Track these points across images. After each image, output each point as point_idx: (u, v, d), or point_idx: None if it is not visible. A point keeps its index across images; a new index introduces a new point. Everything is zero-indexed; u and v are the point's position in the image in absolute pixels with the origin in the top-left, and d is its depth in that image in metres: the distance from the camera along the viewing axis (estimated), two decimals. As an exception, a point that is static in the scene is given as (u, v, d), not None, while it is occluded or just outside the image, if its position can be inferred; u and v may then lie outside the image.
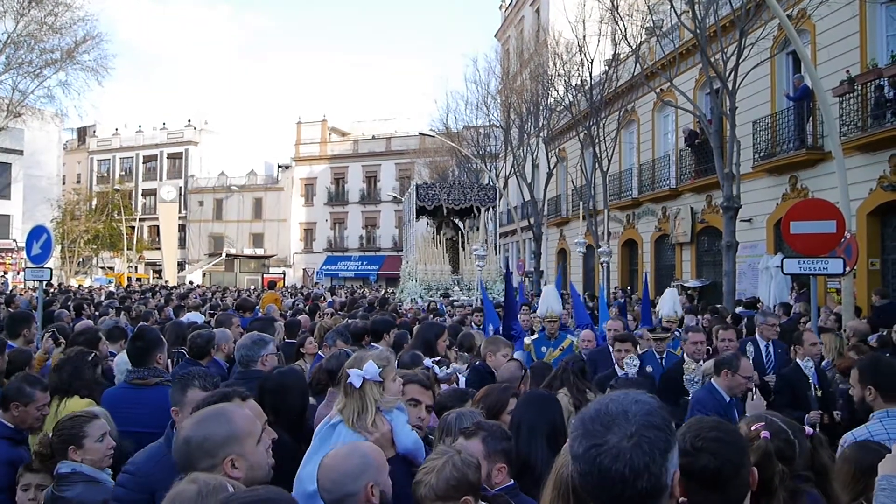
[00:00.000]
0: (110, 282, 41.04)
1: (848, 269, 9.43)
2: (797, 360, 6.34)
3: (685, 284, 21.27)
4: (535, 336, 8.55)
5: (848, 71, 14.79)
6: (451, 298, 17.99)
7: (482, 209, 22.26)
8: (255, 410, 2.81)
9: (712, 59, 15.34)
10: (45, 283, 11.30)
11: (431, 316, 12.87)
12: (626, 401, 1.58)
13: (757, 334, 7.56)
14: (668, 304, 9.39)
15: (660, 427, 1.54)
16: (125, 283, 38.62)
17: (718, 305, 14.15)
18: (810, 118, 16.41)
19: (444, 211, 22.60)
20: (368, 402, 3.24)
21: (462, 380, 5.72)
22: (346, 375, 3.24)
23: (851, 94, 14.63)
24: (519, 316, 10.10)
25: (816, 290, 8.56)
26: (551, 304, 8.61)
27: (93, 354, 4.70)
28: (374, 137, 55.39)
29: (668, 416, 1.61)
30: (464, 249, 21.27)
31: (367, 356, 3.37)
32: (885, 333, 8.74)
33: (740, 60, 14.62)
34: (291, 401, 3.58)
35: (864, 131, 14.35)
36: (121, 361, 5.54)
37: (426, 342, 6.11)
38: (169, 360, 5.84)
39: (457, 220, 23.99)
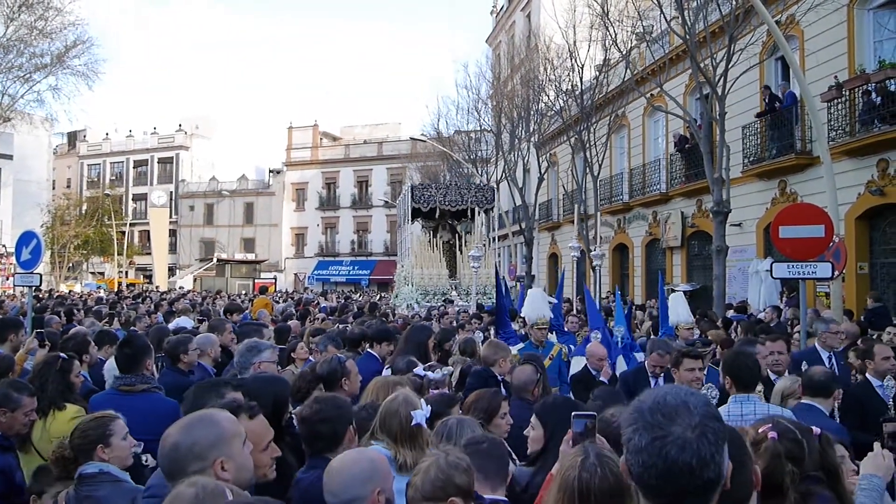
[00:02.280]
0: (99, 287, 40.82)
1: (836, 273, 9.47)
2: (868, 376, 5.60)
3: (676, 288, 21.32)
4: (522, 345, 7.88)
5: (836, 76, 14.89)
6: (454, 304, 17.52)
7: (479, 210, 21.63)
8: (262, 425, 2.83)
9: (702, 65, 15.42)
10: (34, 288, 11.23)
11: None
12: (683, 393, 1.58)
13: (817, 344, 6.71)
14: (682, 309, 8.44)
15: (718, 418, 1.56)
16: (115, 288, 38.43)
17: (708, 310, 14.20)
18: (799, 123, 16.52)
19: (440, 213, 21.98)
20: (424, 443, 3.18)
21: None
22: (410, 419, 3.14)
23: (839, 100, 14.72)
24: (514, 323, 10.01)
25: (805, 294, 8.60)
26: (541, 308, 8.05)
27: (60, 360, 4.62)
28: (365, 142, 55.40)
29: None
30: (461, 253, 20.84)
31: (413, 397, 3.33)
32: (875, 336, 8.77)
33: (729, 66, 14.71)
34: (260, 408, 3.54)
35: (852, 136, 14.44)
36: (111, 367, 5.51)
37: (418, 345, 6.10)
38: (154, 366, 5.83)
39: (453, 223, 23.31)
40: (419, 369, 5.14)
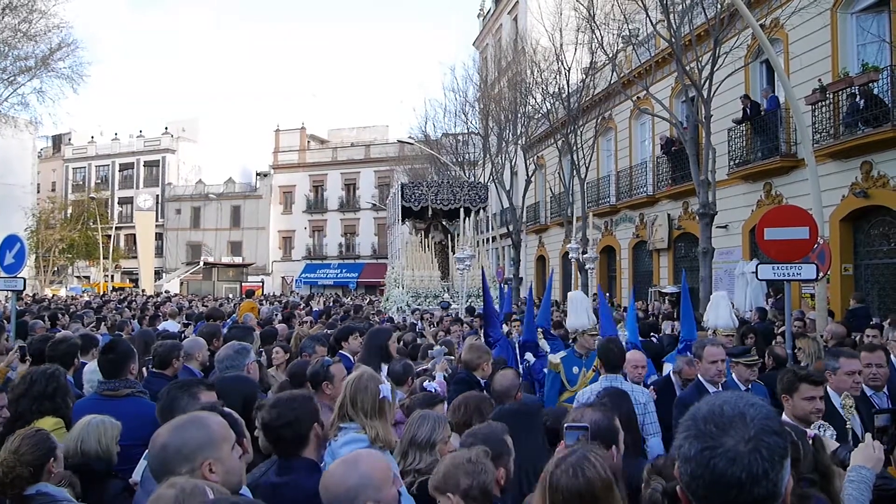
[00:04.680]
0: (84, 291, 40.47)
1: (821, 274, 9.53)
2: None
3: (663, 290, 21.44)
4: (563, 353, 7.08)
5: (820, 79, 15.01)
6: (448, 307, 17.02)
7: (472, 209, 20.78)
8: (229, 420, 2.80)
9: (687, 68, 15.50)
10: (18, 292, 11.10)
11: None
12: (742, 403, 1.50)
13: (893, 355, 6.00)
14: (724, 312, 7.75)
15: (778, 433, 1.47)
16: (101, 292, 38.10)
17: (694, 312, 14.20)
18: (783, 126, 16.64)
19: (432, 212, 21.39)
20: (390, 414, 3.46)
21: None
22: (378, 393, 3.39)
23: (823, 103, 14.84)
24: (508, 326, 9.94)
25: (790, 295, 8.64)
26: (588, 314, 7.27)
27: (54, 369, 4.55)
28: (352, 145, 55.31)
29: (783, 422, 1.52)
30: (454, 254, 20.35)
31: (374, 373, 3.63)
32: (856, 338, 8.81)
33: (715, 69, 14.79)
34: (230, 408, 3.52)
35: (836, 139, 14.55)
36: (89, 371, 5.43)
37: (380, 348, 6.09)
38: (144, 369, 5.77)
39: (445, 223, 22.84)
40: (428, 384, 5.26)
